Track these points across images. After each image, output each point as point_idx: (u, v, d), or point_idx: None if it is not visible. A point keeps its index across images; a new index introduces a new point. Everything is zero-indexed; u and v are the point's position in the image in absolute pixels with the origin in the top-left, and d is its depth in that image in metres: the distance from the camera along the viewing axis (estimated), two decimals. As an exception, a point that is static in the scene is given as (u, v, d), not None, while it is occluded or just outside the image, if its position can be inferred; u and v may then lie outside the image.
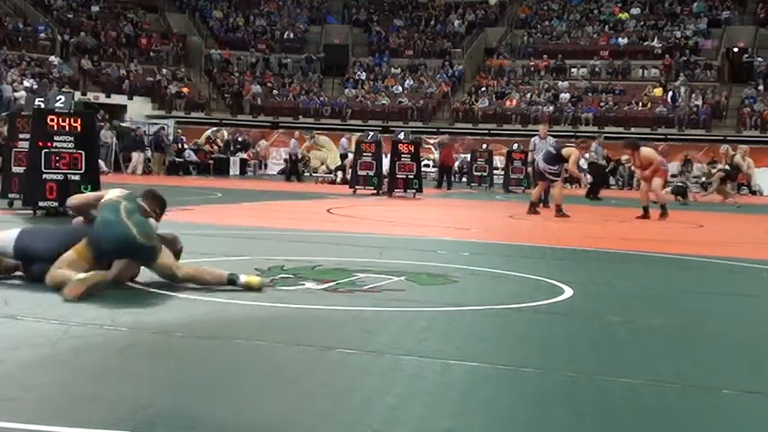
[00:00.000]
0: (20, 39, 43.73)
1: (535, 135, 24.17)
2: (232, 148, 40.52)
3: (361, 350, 4.91)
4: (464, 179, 37.26)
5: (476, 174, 34.07)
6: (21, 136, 14.37)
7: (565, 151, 17.88)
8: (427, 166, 38.14)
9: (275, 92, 48.82)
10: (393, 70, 50.22)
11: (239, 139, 41.58)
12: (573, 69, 48.85)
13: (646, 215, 17.55)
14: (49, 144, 12.98)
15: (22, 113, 15.16)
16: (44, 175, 12.89)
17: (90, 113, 15.76)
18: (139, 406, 3.80)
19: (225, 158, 39.17)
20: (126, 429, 3.41)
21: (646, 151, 18.15)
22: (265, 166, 42.26)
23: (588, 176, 29.11)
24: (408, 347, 5.04)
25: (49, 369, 4.33)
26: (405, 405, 3.95)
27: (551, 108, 44.79)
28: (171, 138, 37.20)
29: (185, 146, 37.85)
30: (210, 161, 37.92)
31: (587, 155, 25.20)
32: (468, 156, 36.96)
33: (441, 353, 4.94)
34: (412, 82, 48.75)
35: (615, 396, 4.25)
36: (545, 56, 49.23)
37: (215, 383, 4.19)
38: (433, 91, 47.81)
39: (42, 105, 13.93)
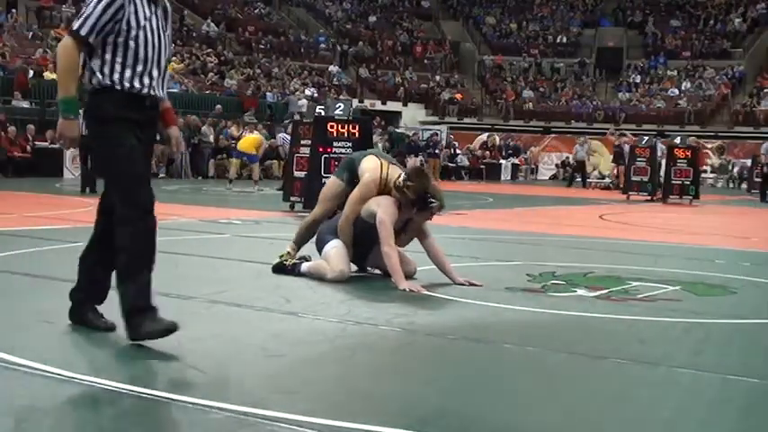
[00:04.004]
0: (302, 50, 45.80)
1: None
2: (504, 154, 40.67)
3: (634, 360, 4.80)
4: (743, 185, 35.60)
5: (756, 180, 32.45)
6: (302, 142, 15.10)
7: None
8: (705, 171, 36.73)
9: (547, 96, 48.56)
10: (669, 72, 48.73)
11: (510, 144, 41.67)
12: None
13: None
14: (329, 149, 13.53)
15: (304, 121, 15.92)
16: (324, 180, 13.43)
17: (366, 120, 16.30)
18: (411, 405, 3.89)
19: (497, 163, 39.37)
20: (398, 427, 3.50)
21: None
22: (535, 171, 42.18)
23: None
24: (684, 360, 4.88)
25: (327, 365, 4.51)
26: (680, 420, 3.83)
27: (843, 110, 41.99)
28: (444, 143, 37.81)
29: (458, 151, 38.37)
30: (482, 166, 38.25)
31: None
32: (749, 161, 35.27)
33: (719, 367, 4.74)
34: (689, 84, 47.12)
35: None
36: (836, 54, 46.22)
37: (484, 386, 4.22)
38: (712, 93, 45.98)
39: (323, 113, 14.55)
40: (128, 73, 4.68)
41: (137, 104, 4.74)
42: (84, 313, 5.03)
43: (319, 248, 7.38)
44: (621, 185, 27.00)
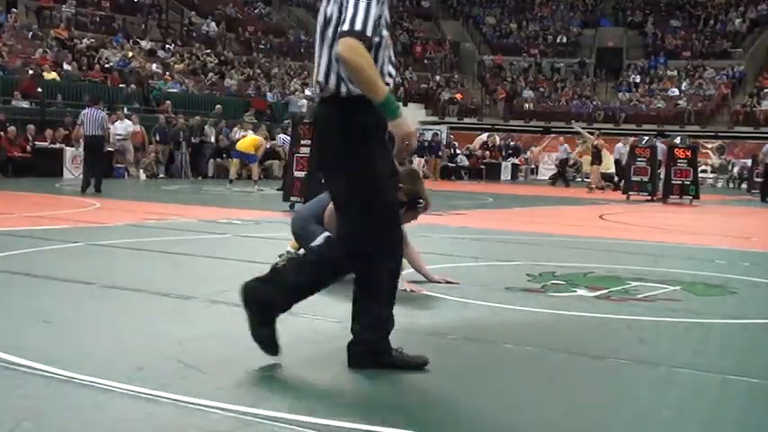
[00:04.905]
0: (302, 50, 45.77)
1: None
2: (504, 154, 40.68)
3: (634, 360, 4.80)
4: (743, 185, 35.62)
5: (756, 180, 32.50)
6: (302, 142, 15.10)
7: None
8: (705, 171, 36.74)
9: (547, 96, 48.56)
10: (669, 72, 48.73)
11: (511, 144, 41.67)
12: None
13: None
14: (329, 149, 13.50)
15: (304, 121, 15.92)
16: (322, 180, 13.41)
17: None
18: (411, 405, 3.89)
19: (496, 163, 39.38)
20: (398, 427, 3.50)
21: None
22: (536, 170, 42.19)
23: None
24: (684, 360, 4.88)
25: (327, 366, 4.50)
26: (680, 420, 3.82)
27: (843, 111, 41.97)
28: (444, 143, 37.86)
29: (458, 151, 38.37)
30: (482, 166, 38.25)
31: None
32: (749, 161, 35.29)
33: (719, 367, 4.74)
34: (689, 84, 47.12)
35: None
36: (837, 54, 46.17)
37: (484, 386, 4.22)
38: (712, 93, 45.98)
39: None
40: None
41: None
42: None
43: (305, 239, 7.27)
44: (594, 185, 27.97)
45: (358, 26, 4.07)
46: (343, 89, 4.21)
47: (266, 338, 4.42)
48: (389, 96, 4.11)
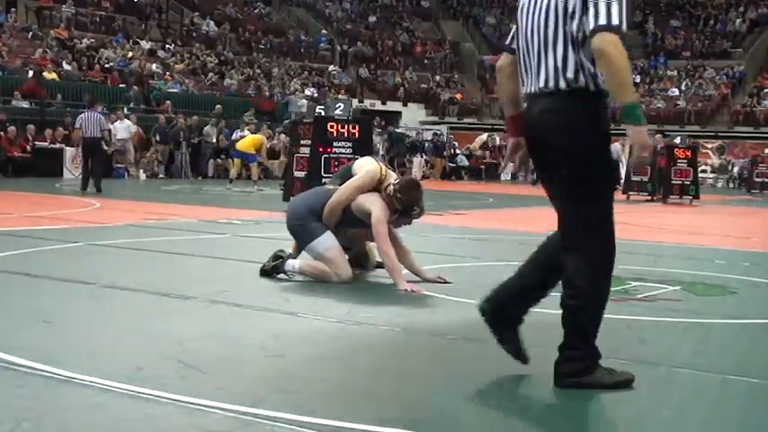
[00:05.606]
0: (302, 50, 45.78)
1: None
2: (504, 154, 40.65)
3: (634, 360, 4.79)
4: (743, 185, 35.67)
5: (756, 180, 32.57)
6: (302, 142, 15.12)
7: None
8: (705, 171, 36.78)
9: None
10: (669, 72, 48.71)
11: (511, 143, 41.64)
12: None
13: None
14: (329, 149, 13.50)
15: (304, 120, 15.93)
16: (323, 180, 13.42)
17: (366, 120, 16.30)
18: (411, 405, 3.89)
19: (496, 163, 39.36)
20: (398, 427, 3.50)
21: None
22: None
23: None
24: (684, 360, 4.88)
25: (327, 365, 4.50)
26: (680, 420, 3.82)
27: (843, 110, 41.94)
28: (444, 143, 37.89)
29: (457, 151, 38.37)
30: (482, 166, 38.24)
31: None
32: (749, 161, 35.33)
33: (719, 367, 4.74)
34: (689, 84, 47.09)
35: None
36: (836, 54, 46.13)
37: (484, 386, 4.22)
38: (712, 93, 45.96)
39: (323, 113, 14.55)
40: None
41: None
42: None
43: (303, 236, 7.26)
44: None
45: (615, 20, 3.88)
46: (591, 85, 4.07)
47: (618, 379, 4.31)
48: (637, 102, 3.99)
